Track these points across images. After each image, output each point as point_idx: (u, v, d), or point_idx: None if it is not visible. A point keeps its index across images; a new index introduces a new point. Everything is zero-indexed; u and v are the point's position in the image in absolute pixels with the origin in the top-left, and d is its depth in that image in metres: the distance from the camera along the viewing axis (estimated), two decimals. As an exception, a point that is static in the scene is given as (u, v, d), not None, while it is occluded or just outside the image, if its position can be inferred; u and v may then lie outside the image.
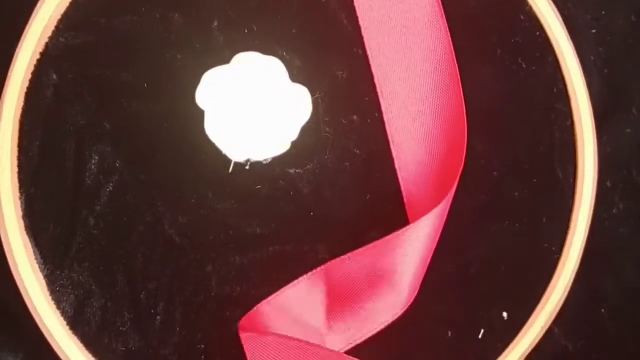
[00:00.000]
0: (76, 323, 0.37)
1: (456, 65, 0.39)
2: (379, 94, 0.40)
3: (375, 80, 0.40)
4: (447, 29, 0.40)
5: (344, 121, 0.40)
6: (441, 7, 0.40)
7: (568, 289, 0.41)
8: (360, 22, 0.40)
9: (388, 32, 0.40)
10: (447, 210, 0.38)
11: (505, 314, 0.41)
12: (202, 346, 0.38)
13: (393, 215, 0.39)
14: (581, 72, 0.42)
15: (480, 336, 0.40)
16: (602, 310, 0.43)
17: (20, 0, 0.38)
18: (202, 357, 0.38)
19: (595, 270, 0.43)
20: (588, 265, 0.42)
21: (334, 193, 0.39)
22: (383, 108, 0.40)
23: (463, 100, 0.39)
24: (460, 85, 0.39)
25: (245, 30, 0.39)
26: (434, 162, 0.39)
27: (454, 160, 0.38)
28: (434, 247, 0.39)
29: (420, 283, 0.39)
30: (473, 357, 0.40)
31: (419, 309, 0.39)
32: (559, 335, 0.42)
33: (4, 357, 0.38)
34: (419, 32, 0.40)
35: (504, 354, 0.40)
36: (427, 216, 0.37)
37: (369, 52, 0.40)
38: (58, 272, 0.37)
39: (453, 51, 0.39)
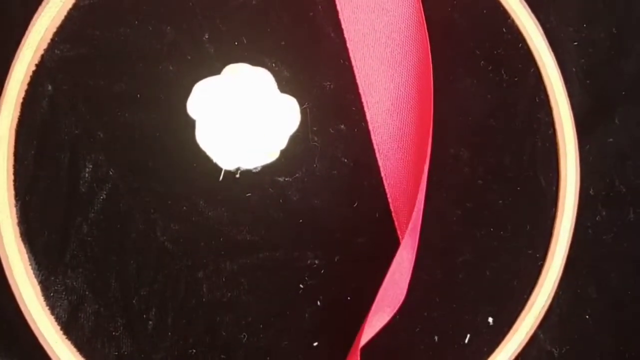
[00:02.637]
0: (70, 328, 0.38)
1: (431, 77, 0.40)
2: (364, 104, 0.40)
3: (361, 91, 0.40)
4: (427, 40, 0.40)
5: (331, 131, 0.40)
6: (423, 18, 0.40)
7: (552, 295, 0.42)
8: (346, 34, 0.40)
9: (373, 44, 0.40)
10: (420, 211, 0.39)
11: (491, 320, 0.41)
12: (194, 351, 0.39)
13: (380, 222, 0.40)
14: (563, 83, 0.43)
15: (466, 341, 0.41)
16: (587, 316, 0.44)
17: (16, 13, 0.38)
18: (193, 361, 0.39)
19: (578, 276, 0.43)
20: (572, 272, 0.43)
21: (322, 201, 0.40)
22: (368, 118, 0.40)
23: (431, 112, 0.39)
24: (431, 96, 0.40)
25: (236, 43, 0.39)
26: (418, 170, 0.40)
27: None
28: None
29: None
30: (460, 361, 0.41)
31: (406, 315, 0.40)
32: (544, 341, 0.43)
33: (-2, 362, 0.38)
34: (403, 43, 0.40)
35: (489, 358, 0.41)
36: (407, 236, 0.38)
37: (353, 63, 0.40)
38: (52, 278, 0.38)
39: (430, 63, 0.40)
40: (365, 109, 0.40)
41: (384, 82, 0.40)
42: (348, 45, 0.40)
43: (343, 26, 0.40)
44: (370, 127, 0.40)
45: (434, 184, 0.40)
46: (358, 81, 0.40)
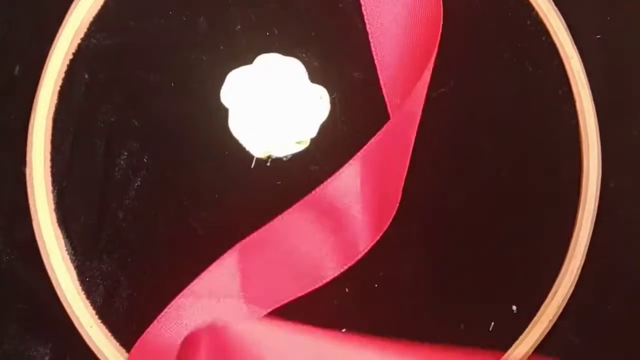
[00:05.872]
0: (105, 312, 0.38)
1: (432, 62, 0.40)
2: (385, 94, 0.41)
3: (381, 83, 0.41)
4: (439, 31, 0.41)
5: (359, 120, 0.41)
6: (441, 11, 0.41)
7: (574, 284, 0.42)
8: (368, 28, 0.41)
9: (394, 36, 0.41)
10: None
11: (514, 308, 0.42)
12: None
13: (407, 207, 0.40)
14: (585, 75, 0.43)
15: (490, 329, 0.41)
16: (608, 305, 0.44)
17: (54, 4, 0.39)
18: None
19: (600, 266, 0.44)
20: (594, 262, 0.43)
21: (351, 188, 0.40)
22: (390, 109, 0.41)
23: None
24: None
25: (267, 33, 0.40)
26: None
27: None
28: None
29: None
30: (484, 348, 0.41)
31: (433, 304, 0.41)
32: (565, 329, 0.43)
33: (34, 346, 0.39)
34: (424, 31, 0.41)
35: (513, 345, 0.41)
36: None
37: (375, 55, 0.41)
38: (88, 263, 0.38)
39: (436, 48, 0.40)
40: (387, 99, 0.41)
41: (404, 73, 0.41)
42: (370, 38, 0.41)
43: (365, 19, 0.41)
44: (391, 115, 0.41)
45: (457, 174, 0.41)
46: (379, 73, 0.41)
